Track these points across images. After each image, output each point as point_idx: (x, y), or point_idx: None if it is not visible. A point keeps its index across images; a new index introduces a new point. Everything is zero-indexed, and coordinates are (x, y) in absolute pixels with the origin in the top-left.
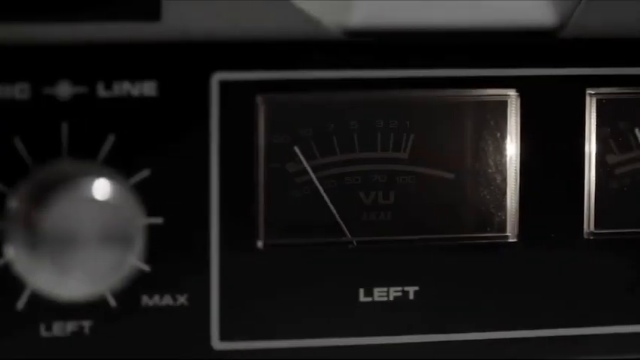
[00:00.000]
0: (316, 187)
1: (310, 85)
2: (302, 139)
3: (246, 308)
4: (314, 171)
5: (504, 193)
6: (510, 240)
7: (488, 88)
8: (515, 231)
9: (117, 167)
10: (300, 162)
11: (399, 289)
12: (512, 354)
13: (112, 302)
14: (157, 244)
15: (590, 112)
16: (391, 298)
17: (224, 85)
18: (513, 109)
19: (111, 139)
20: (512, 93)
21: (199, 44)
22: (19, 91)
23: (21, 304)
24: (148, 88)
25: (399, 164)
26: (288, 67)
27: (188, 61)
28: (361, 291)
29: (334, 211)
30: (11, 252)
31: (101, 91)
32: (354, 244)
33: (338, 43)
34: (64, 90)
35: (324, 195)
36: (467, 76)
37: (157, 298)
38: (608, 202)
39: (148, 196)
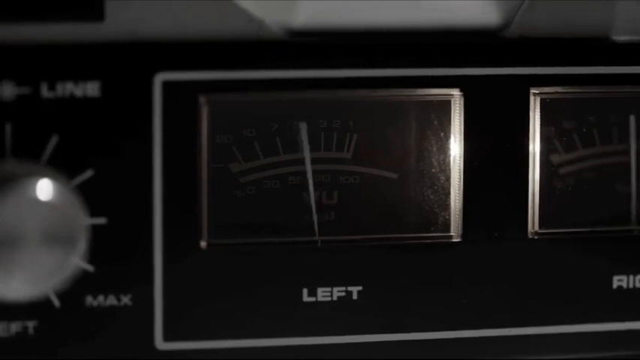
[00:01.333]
0: (260, 186)
1: (253, 85)
2: (245, 139)
3: (189, 308)
4: (258, 171)
5: (448, 193)
6: (454, 240)
7: (432, 87)
8: (459, 231)
9: (60, 168)
10: (243, 162)
11: (343, 289)
12: (457, 354)
13: (56, 303)
14: (100, 244)
15: (535, 112)
16: (335, 298)
17: (167, 86)
18: (457, 108)
19: (54, 140)
20: (455, 93)
21: (142, 45)
22: None
23: None
24: (92, 89)
25: (342, 164)
26: (231, 67)
27: (131, 61)
28: (305, 291)
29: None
30: None
31: (45, 92)
32: (299, 244)
33: (281, 43)
34: (8, 91)
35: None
36: (410, 75)
37: (100, 298)
38: (552, 201)
39: (92, 196)
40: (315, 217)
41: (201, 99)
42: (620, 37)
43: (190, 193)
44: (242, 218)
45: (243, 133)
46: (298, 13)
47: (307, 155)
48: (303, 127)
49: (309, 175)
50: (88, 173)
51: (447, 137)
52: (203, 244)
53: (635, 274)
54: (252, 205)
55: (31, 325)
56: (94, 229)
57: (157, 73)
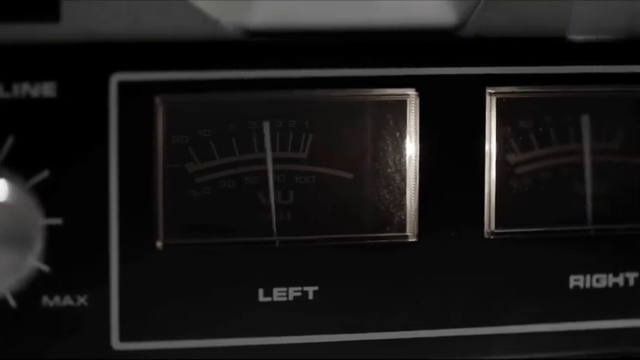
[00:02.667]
0: (216, 187)
1: (209, 85)
2: (201, 139)
3: (146, 308)
4: (214, 171)
5: (404, 193)
6: (410, 240)
7: (388, 87)
8: (415, 231)
9: (16, 168)
10: (199, 162)
11: (299, 289)
12: (414, 354)
13: (12, 303)
14: (56, 244)
15: (491, 112)
16: (291, 298)
17: (123, 86)
18: (413, 108)
19: (10, 141)
20: (411, 92)
21: (98, 45)
22: None
23: None
24: (48, 89)
25: (298, 164)
26: (187, 67)
27: (87, 61)
28: (260, 291)
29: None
30: None
31: (0, 93)
32: (254, 244)
33: (237, 43)
34: None
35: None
36: (366, 75)
37: (57, 298)
38: (509, 201)
39: (48, 196)
40: (273, 217)
41: (157, 99)
42: (577, 37)
43: (146, 193)
44: (198, 218)
45: (199, 134)
46: (254, 13)
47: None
48: (260, 127)
49: (270, 175)
50: (44, 174)
51: (403, 137)
52: (159, 244)
53: (591, 274)
54: (208, 205)
55: None
56: (50, 229)
57: (112, 73)
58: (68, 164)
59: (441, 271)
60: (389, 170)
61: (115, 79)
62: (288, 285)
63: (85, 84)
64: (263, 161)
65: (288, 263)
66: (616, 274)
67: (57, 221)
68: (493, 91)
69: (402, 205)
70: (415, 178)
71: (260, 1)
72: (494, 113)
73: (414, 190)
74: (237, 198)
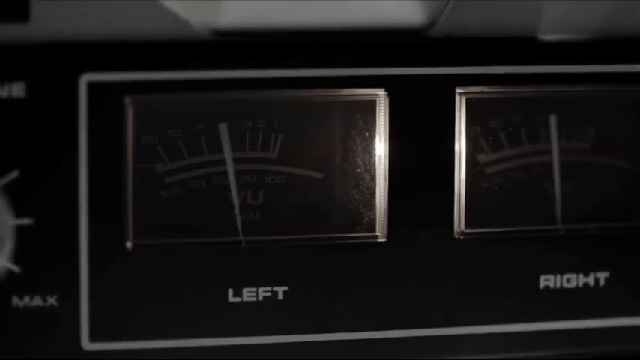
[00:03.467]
0: (185, 187)
1: (179, 85)
2: (170, 139)
3: (116, 308)
4: (183, 171)
5: (373, 193)
6: (380, 240)
7: (357, 87)
8: (385, 231)
9: None
10: (169, 162)
11: (268, 289)
12: (384, 354)
13: None
14: (26, 245)
15: (460, 111)
16: (260, 298)
17: (92, 86)
18: (382, 108)
19: None
20: (381, 92)
21: (68, 45)
22: None
23: None
24: (17, 90)
25: (267, 164)
26: (156, 67)
27: (57, 62)
28: (230, 291)
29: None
30: None
31: None
32: (224, 244)
33: (206, 43)
34: None
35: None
36: (335, 75)
37: (27, 298)
38: (478, 201)
39: (17, 197)
40: (237, 217)
41: (127, 99)
42: (546, 37)
43: (116, 193)
44: (168, 219)
45: (168, 134)
46: (224, 14)
47: (229, 156)
48: (227, 127)
49: (231, 176)
50: (14, 174)
51: (372, 137)
52: (129, 244)
53: (562, 274)
54: (178, 205)
55: None
56: (20, 229)
57: (82, 73)
58: (38, 165)
59: (411, 271)
60: (358, 170)
61: (85, 79)
62: (257, 285)
63: (55, 84)
64: (235, 161)
65: (258, 263)
66: (586, 274)
67: (27, 222)
68: (463, 91)
69: (371, 205)
70: (385, 178)
71: (229, 1)
72: (464, 113)
73: (384, 190)
74: (206, 198)
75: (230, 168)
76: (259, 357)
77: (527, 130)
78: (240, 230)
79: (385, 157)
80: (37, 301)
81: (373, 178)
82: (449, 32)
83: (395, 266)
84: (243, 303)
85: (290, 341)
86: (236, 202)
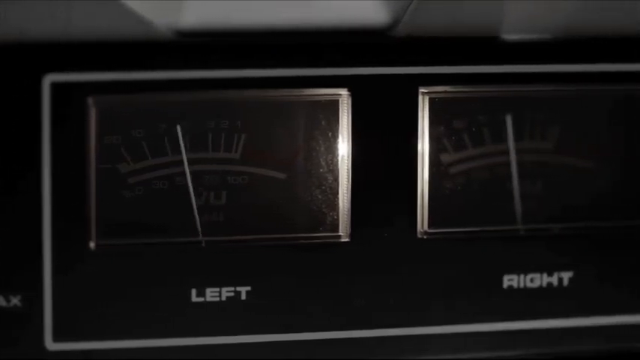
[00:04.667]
0: (148, 187)
1: (142, 85)
2: (133, 139)
3: (79, 309)
4: (146, 172)
5: (336, 193)
6: (343, 240)
7: (320, 87)
8: (348, 231)
9: None
10: (132, 162)
11: (232, 289)
12: (347, 354)
13: None
14: None
15: (423, 111)
16: (224, 298)
17: (55, 87)
18: (345, 108)
19: None
20: (343, 92)
21: (31, 46)
22: None
23: None
24: None
25: (230, 164)
26: (119, 68)
27: (20, 62)
28: (193, 291)
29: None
30: None
31: None
32: (187, 244)
33: (169, 44)
34: None
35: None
36: (298, 75)
37: None
38: (442, 201)
39: None
40: (196, 218)
41: (90, 100)
42: (509, 36)
43: (79, 194)
44: (131, 219)
45: (131, 134)
46: (187, 14)
47: (189, 156)
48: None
49: (188, 176)
50: None
51: (335, 137)
52: (92, 244)
53: (525, 274)
54: (141, 205)
55: None
56: None
57: (45, 74)
58: (0, 165)
59: (374, 271)
60: (321, 170)
61: (48, 80)
62: (220, 285)
63: (18, 85)
64: (195, 161)
65: (221, 264)
66: (550, 274)
67: None
68: (426, 91)
69: (334, 205)
70: (348, 178)
71: (192, 1)
72: (427, 113)
73: (347, 190)
74: (169, 198)
75: (199, 168)
76: (223, 357)
77: (491, 130)
78: (203, 230)
79: (348, 157)
80: (1, 301)
81: (336, 178)
82: (412, 32)
83: (358, 266)
84: (206, 303)
85: (253, 341)
86: (200, 201)
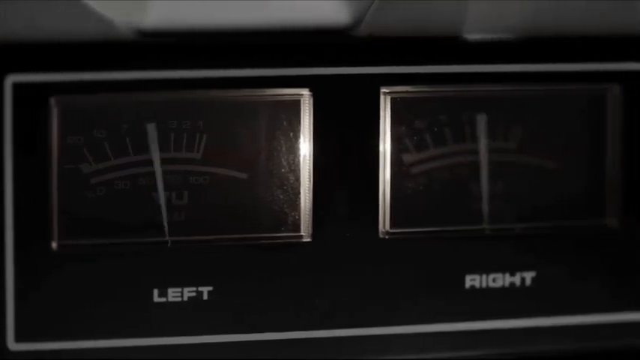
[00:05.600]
0: (111, 187)
1: (104, 86)
2: (96, 140)
3: (41, 309)
4: (108, 172)
5: (298, 193)
6: (305, 240)
7: (282, 87)
8: (309, 231)
9: None
10: (94, 163)
11: (193, 289)
12: (309, 354)
13: None
14: None
15: (385, 111)
16: (185, 298)
17: (17, 87)
18: (307, 108)
19: None
20: (305, 92)
21: None
22: None
23: None
24: None
25: (192, 164)
26: (81, 68)
27: None
28: (155, 291)
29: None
30: None
31: None
32: (149, 244)
33: (131, 44)
34: None
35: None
36: (260, 75)
37: None
38: (403, 201)
39: None
40: (163, 218)
41: (52, 100)
42: (471, 36)
43: (41, 194)
44: (93, 219)
45: (93, 134)
46: (148, 14)
47: (156, 156)
48: (152, 127)
49: (159, 176)
50: None
51: (297, 137)
52: (54, 245)
53: (487, 274)
54: (104, 205)
55: None
56: None
57: (7, 74)
58: None
59: (336, 271)
60: (283, 170)
61: (10, 80)
62: (182, 285)
63: None
64: (159, 162)
65: (183, 263)
66: (512, 274)
67: None
68: (387, 91)
69: (296, 205)
70: (309, 179)
71: (154, 1)
72: (389, 113)
73: (308, 190)
74: (132, 198)
75: (157, 169)
76: (185, 357)
77: (452, 130)
78: (165, 230)
79: (310, 157)
80: None
81: (298, 178)
82: (374, 32)
83: (320, 266)
84: (168, 303)
85: (215, 341)
86: (163, 202)
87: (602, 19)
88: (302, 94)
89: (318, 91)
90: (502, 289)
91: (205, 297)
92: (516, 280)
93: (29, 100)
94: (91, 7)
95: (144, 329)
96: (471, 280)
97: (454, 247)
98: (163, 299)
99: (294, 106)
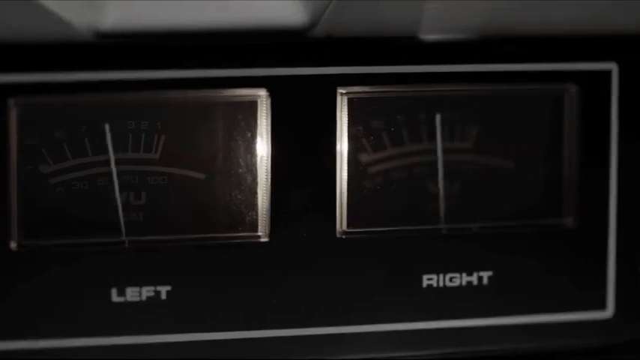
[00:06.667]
0: (69, 187)
1: (62, 87)
2: (54, 140)
3: (0, 308)
4: (67, 172)
5: (255, 193)
6: (262, 240)
7: (239, 88)
8: (267, 230)
9: None
10: (53, 163)
11: (152, 288)
12: (266, 354)
13: None
14: None
15: (342, 111)
16: (144, 298)
17: None
18: (264, 109)
19: None
20: (262, 93)
21: None
22: None
23: None
24: None
25: (150, 165)
26: (40, 69)
27: None
28: (114, 291)
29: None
30: None
31: None
32: (107, 244)
33: (89, 45)
34: None
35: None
36: (217, 76)
37: None
38: (361, 200)
39: None
40: (121, 218)
41: (11, 101)
42: (427, 36)
43: (0, 194)
44: (52, 219)
45: (52, 135)
46: (106, 15)
47: (112, 156)
48: (110, 128)
49: (115, 177)
50: None
51: (255, 137)
52: (13, 245)
53: (444, 273)
54: (62, 206)
55: None
56: None
57: None
58: None
59: (294, 271)
60: (241, 170)
61: None
62: (141, 285)
63: None
64: (115, 162)
65: (141, 263)
66: (470, 274)
67: None
68: (344, 91)
69: (253, 205)
70: (267, 179)
71: (112, 1)
72: (346, 113)
73: (266, 190)
74: (90, 199)
75: (113, 169)
76: (143, 357)
77: (410, 130)
78: (123, 230)
79: (267, 157)
80: None
81: (255, 179)
82: (331, 32)
83: (277, 266)
84: (126, 303)
85: (173, 341)
86: (119, 202)
87: (559, 20)
88: (259, 95)
89: (275, 91)
90: (459, 289)
91: (164, 296)
92: (473, 279)
93: None
94: (48, 8)
95: (103, 329)
96: (428, 280)
97: (411, 247)
98: (122, 299)
99: (252, 106)
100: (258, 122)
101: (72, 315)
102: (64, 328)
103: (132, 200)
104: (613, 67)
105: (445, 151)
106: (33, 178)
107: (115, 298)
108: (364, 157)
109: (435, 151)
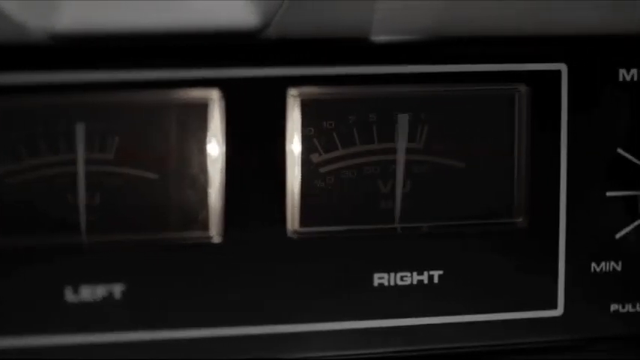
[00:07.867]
0: (27, 187)
1: (16, 89)
2: (9, 141)
3: None
4: (23, 172)
5: (208, 193)
6: (214, 240)
7: (191, 89)
8: (219, 230)
9: None
10: (9, 163)
11: (106, 288)
12: (219, 352)
13: None
14: None
15: (293, 112)
16: (98, 297)
17: None
18: (216, 109)
19: None
20: (214, 94)
21: None
22: None
23: None
24: None
25: (105, 165)
26: None
27: None
28: (68, 290)
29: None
30: None
31: None
32: (62, 244)
33: (41, 46)
34: None
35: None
36: (169, 77)
37: None
38: (312, 200)
39: None
40: (76, 217)
41: None
42: (378, 38)
43: None
44: (8, 218)
45: (8, 136)
46: (60, 17)
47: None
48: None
49: (81, 176)
50: None
51: (207, 138)
52: None
53: (395, 272)
54: (17, 205)
55: None
56: None
57: None
58: None
59: (246, 270)
60: (193, 171)
61: None
62: (95, 284)
63: None
64: (68, 163)
65: (95, 263)
66: (420, 273)
67: None
68: (296, 92)
69: (206, 205)
70: (219, 179)
71: (66, 1)
72: (298, 113)
73: (219, 190)
74: (46, 198)
75: (73, 169)
76: (97, 356)
77: (361, 130)
78: (78, 230)
79: (220, 157)
80: None
81: (207, 179)
82: (283, 34)
83: (230, 265)
84: (80, 302)
85: (127, 340)
86: (75, 202)
87: (510, 20)
88: (212, 96)
89: (227, 92)
90: (410, 287)
91: (117, 296)
92: (424, 278)
93: None
94: (2, 10)
95: (56, 327)
96: (380, 279)
97: (363, 246)
98: (76, 298)
99: (204, 107)
100: (211, 123)
101: (25, 314)
102: (18, 327)
103: (87, 200)
104: (562, 67)
105: (398, 152)
106: None
107: (69, 297)
108: (316, 158)
109: (387, 151)
